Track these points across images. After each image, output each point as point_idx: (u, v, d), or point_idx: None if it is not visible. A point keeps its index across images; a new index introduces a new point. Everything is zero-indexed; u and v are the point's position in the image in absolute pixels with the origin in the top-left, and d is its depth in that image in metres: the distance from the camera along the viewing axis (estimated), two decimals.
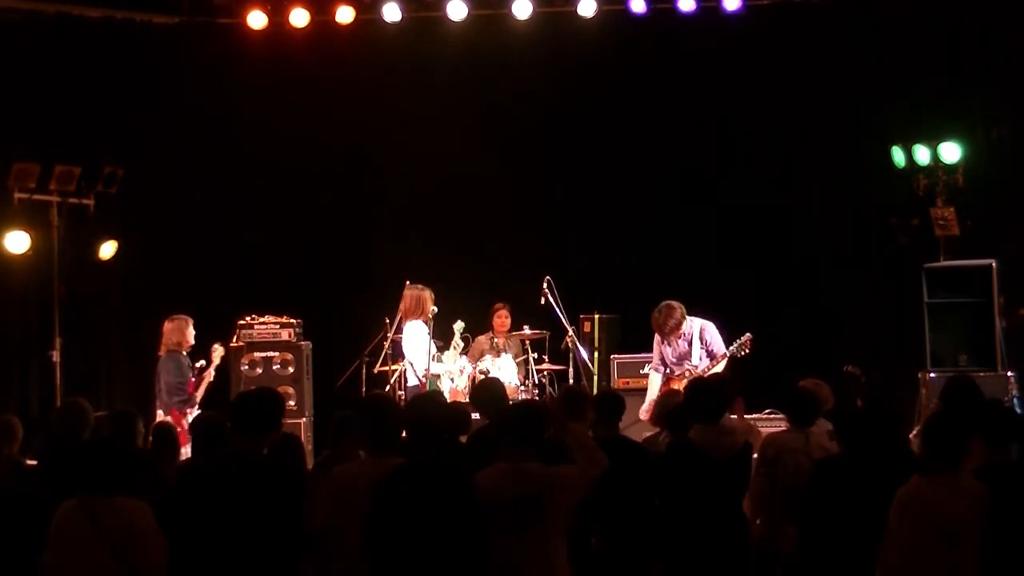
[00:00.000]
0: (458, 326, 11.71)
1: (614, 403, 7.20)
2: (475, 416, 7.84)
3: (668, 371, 11.09)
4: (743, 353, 10.86)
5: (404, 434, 6.03)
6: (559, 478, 5.82)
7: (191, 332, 11.11)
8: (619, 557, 6.70)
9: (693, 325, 11.02)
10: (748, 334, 10.88)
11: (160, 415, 10.64)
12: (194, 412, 10.59)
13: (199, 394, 11.04)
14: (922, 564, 5.73)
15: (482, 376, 11.77)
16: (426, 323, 11.52)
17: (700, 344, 10.97)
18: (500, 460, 5.86)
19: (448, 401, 9.11)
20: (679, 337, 11.02)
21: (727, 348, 10.89)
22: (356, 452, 6.38)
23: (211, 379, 11.17)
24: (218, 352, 11.32)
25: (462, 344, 11.85)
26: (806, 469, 6.84)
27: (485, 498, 5.70)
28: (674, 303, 11.02)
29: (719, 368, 10.86)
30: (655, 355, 11.24)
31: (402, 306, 11.59)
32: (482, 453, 6.52)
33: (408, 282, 11.74)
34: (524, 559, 5.69)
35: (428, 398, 6.97)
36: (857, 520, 6.17)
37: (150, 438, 7.93)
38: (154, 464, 7.44)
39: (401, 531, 5.55)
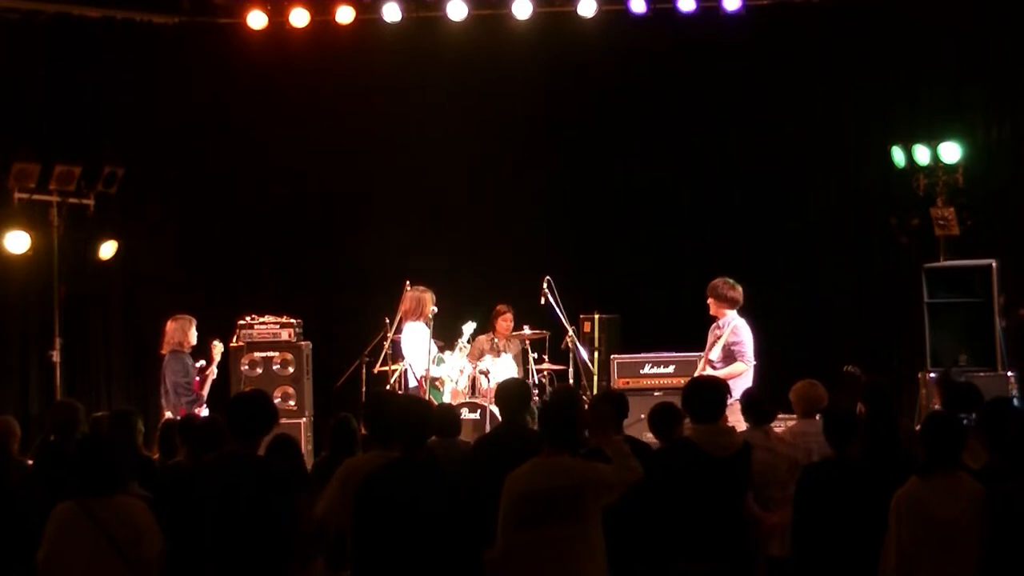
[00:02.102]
0: (468, 327, 11.70)
1: (666, 410, 7.16)
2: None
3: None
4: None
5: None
6: (596, 474, 5.84)
7: (193, 333, 11.12)
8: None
9: (732, 321, 10.96)
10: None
11: (168, 416, 10.61)
12: (203, 411, 10.60)
13: (204, 393, 11.06)
14: (921, 565, 5.72)
15: (482, 376, 11.79)
16: (426, 324, 11.53)
17: (723, 341, 10.91)
18: (536, 456, 5.89)
19: (438, 402, 9.12)
20: (719, 320, 10.96)
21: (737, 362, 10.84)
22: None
23: (214, 376, 11.18)
24: (218, 349, 11.33)
25: (469, 347, 11.85)
26: (772, 465, 6.91)
27: (519, 492, 5.74)
28: (736, 285, 10.87)
29: (728, 372, 10.73)
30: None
31: (402, 307, 11.59)
32: (490, 457, 6.56)
33: (409, 282, 11.74)
34: (559, 553, 5.71)
35: (409, 400, 7.03)
36: (847, 524, 6.15)
37: (157, 436, 7.94)
38: (158, 462, 7.48)
39: (376, 527, 5.59)
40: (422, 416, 6.06)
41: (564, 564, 5.73)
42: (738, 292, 10.88)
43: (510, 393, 7.40)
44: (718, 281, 10.91)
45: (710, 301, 10.92)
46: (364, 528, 5.65)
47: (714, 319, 10.92)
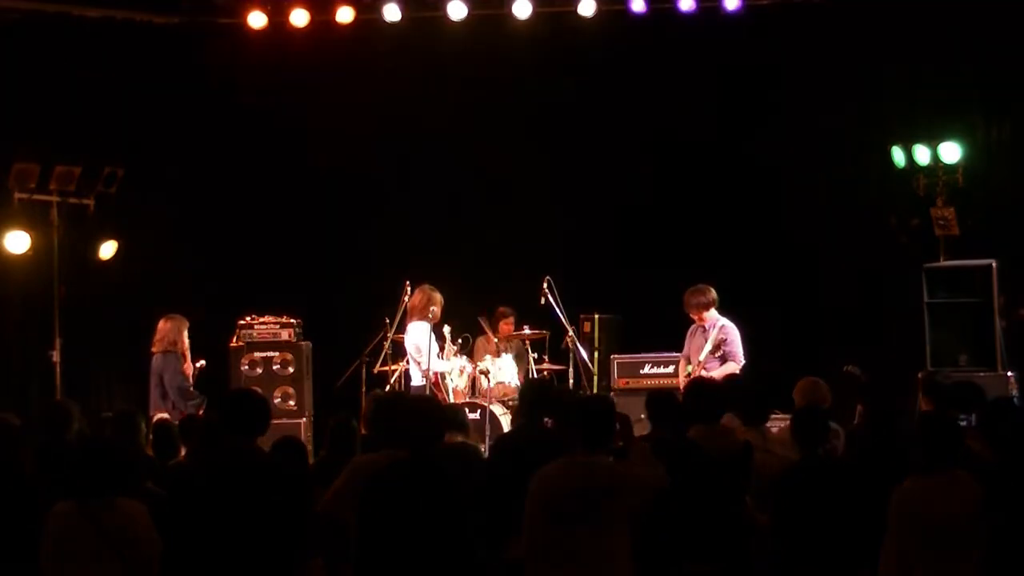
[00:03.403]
0: (446, 330, 11.74)
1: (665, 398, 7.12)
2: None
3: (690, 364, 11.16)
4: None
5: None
6: (629, 476, 5.86)
7: (186, 334, 11.12)
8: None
9: (718, 323, 11.03)
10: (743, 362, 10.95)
11: (160, 416, 10.57)
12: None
13: None
14: (919, 565, 5.72)
15: (482, 376, 11.80)
16: (429, 323, 11.54)
17: (713, 343, 10.96)
18: (567, 455, 5.89)
19: (436, 400, 9.13)
20: (701, 325, 11.04)
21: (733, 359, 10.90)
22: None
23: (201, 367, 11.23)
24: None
25: (454, 348, 11.86)
26: (768, 465, 6.91)
27: (552, 489, 5.73)
28: (709, 288, 11.08)
29: (723, 371, 10.77)
30: (685, 345, 11.36)
31: (410, 303, 11.62)
32: (506, 458, 6.55)
33: (408, 282, 11.75)
34: (586, 552, 5.71)
35: (417, 400, 7.04)
36: (818, 527, 6.15)
37: (151, 436, 7.95)
38: (155, 462, 7.48)
39: (380, 527, 5.59)
40: (431, 416, 6.05)
41: (591, 564, 5.73)
42: (711, 294, 10.99)
43: (527, 394, 7.43)
44: (688, 292, 11.03)
45: (691, 314, 11.04)
46: (368, 527, 5.65)
47: (691, 322, 11.05)
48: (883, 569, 5.88)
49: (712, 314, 11.08)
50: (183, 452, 7.62)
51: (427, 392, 11.23)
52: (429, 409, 6.19)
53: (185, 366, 11.11)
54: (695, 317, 11.16)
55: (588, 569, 5.74)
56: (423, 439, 5.89)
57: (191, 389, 10.89)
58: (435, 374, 11.48)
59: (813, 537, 6.17)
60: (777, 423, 9.66)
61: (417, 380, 11.55)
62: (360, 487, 5.88)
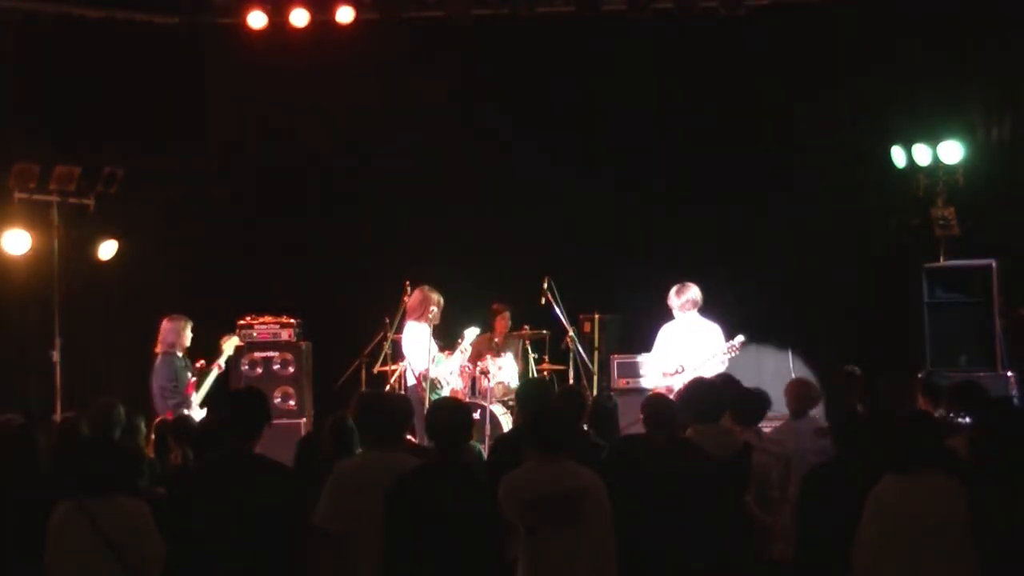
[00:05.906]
0: (470, 332, 11.69)
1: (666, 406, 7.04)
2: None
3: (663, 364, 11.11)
4: (732, 355, 10.87)
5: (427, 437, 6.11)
6: (596, 477, 5.83)
7: (189, 334, 11.07)
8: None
9: (705, 324, 11.04)
10: (741, 337, 10.89)
11: (160, 417, 10.55)
12: (194, 413, 10.52)
13: (201, 393, 10.98)
14: (890, 562, 5.70)
15: (482, 376, 11.80)
16: (428, 325, 11.52)
17: (707, 344, 10.97)
18: (529, 460, 5.87)
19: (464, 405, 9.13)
20: (687, 325, 11.03)
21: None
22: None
23: (221, 370, 11.05)
24: (231, 342, 11.19)
25: (470, 350, 11.85)
26: (767, 466, 6.89)
27: (523, 497, 5.71)
28: (693, 284, 11.06)
29: (710, 368, 10.79)
30: (657, 344, 11.27)
31: (407, 305, 11.60)
32: (506, 458, 6.55)
33: (409, 283, 11.75)
34: (565, 556, 5.68)
35: (450, 402, 7.04)
36: (849, 525, 6.14)
37: (151, 436, 7.94)
38: (156, 463, 7.48)
39: (418, 531, 5.58)
40: (459, 419, 6.04)
41: (571, 568, 5.71)
42: (694, 287, 11.02)
43: (528, 395, 7.43)
44: (677, 289, 11.05)
45: (680, 310, 11.03)
46: (399, 530, 5.63)
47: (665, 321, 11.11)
48: (856, 563, 5.85)
49: (696, 313, 11.08)
50: (180, 452, 7.59)
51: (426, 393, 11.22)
52: (456, 411, 6.17)
53: (199, 363, 11.05)
54: (681, 314, 11.10)
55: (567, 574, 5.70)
56: (450, 441, 5.89)
57: (173, 390, 10.79)
58: (419, 375, 11.41)
59: (842, 533, 6.15)
60: (776, 423, 9.68)
61: (413, 380, 11.53)
62: (349, 493, 5.86)
